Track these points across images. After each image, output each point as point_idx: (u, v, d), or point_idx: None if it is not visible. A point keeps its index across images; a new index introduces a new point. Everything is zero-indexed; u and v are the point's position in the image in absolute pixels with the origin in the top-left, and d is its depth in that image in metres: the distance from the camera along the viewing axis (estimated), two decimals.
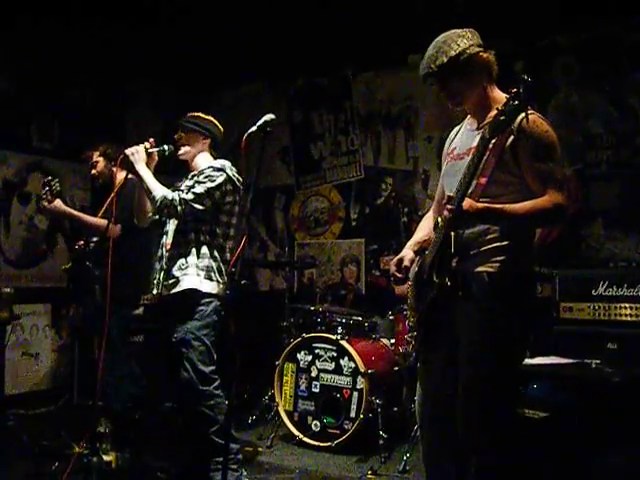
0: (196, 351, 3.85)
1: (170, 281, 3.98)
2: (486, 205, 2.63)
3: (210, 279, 3.95)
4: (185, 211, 3.88)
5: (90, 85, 6.78)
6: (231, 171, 4.00)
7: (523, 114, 2.56)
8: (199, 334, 3.87)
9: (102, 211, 4.56)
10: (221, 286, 4.00)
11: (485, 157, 2.63)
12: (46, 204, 4.81)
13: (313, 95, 7.34)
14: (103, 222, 4.58)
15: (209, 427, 3.82)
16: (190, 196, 3.88)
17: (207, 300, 3.92)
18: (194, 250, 3.97)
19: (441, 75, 2.79)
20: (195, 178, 4.00)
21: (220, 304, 3.97)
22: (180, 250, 4.00)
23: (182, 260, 3.96)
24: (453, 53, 2.74)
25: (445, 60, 2.74)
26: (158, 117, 7.41)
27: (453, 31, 2.82)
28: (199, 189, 3.90)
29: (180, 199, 3.86)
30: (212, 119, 4.25)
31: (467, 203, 2.58)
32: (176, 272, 3.96)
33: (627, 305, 4.24)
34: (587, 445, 3.45)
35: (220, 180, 3.94)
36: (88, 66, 6.62)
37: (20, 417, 5.62)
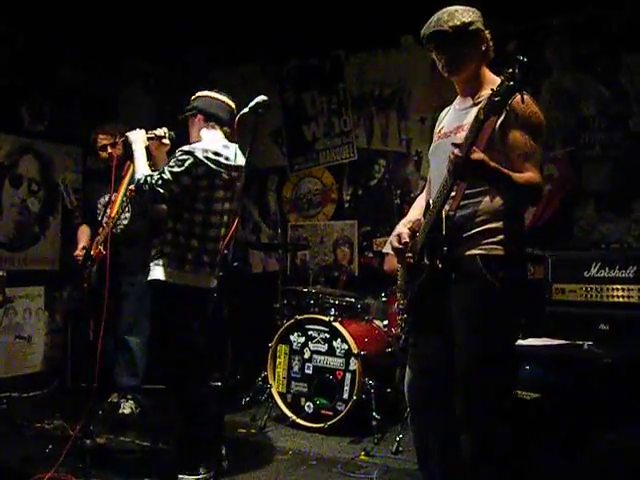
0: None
1: (147, 269, 3.85)
2: (487, 159, 2.57)
3: (181, 269, 3.74)
4: (149, 194, 3.68)
5: (82, 66, 6.73)
6: (204, 153, 3.69)
7: (518, 95, 2.55)
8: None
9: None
10: (199, 276, 3.79)
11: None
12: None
13: (305, 76, 7.29)
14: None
15: None
16: (156, 180, 3.65)
17: (171, 292, 3.75)
18: (171, 239, 3.78)
19: (449, 37, 2.81)
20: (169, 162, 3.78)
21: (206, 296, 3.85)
22: (160, 238, 3.86)
23: (159, 248, 3.82)
24: (466, 20, 2.80)
25: (458, 23, 2.79)
26: (151, 98, 7.37)
27: (462, 6, 2.87)
28: (166, 173, 3.66)
29: (149, 182, 3.66)
30: (198, 93, 4.00)
31: (476, 154, 2.54)
32: (150, 260, 3.84)
33: (619, 287, 4.25)
34: (578, 426, 3.48)
35: (187, 164, 3.66)
36: (79, 47, 6.57)
37: (13, 400, 5.62)
